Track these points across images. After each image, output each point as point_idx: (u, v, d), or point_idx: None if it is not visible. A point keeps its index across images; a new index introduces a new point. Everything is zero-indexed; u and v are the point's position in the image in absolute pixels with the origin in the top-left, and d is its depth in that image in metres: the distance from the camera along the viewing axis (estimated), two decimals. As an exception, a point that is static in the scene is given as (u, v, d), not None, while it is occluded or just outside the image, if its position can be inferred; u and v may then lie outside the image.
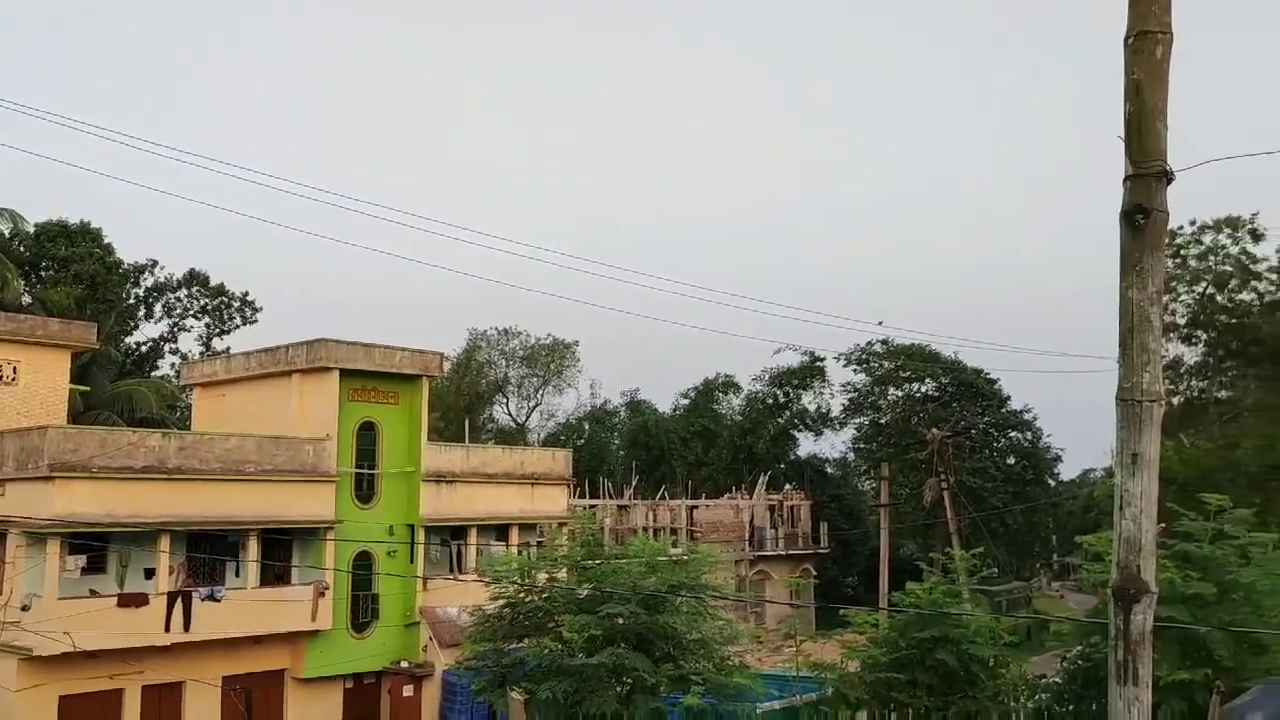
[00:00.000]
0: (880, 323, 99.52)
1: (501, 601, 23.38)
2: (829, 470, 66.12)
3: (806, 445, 66.12)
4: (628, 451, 66.79)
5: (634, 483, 56.48)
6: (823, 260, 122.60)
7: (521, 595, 23.31)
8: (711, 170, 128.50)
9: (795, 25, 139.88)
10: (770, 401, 65.47)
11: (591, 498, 52.27)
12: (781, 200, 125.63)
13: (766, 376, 65.59)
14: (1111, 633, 4.28)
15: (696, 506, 55.30)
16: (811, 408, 65.69)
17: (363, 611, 29.46)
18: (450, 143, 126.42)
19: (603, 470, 60.90)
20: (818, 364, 63.88)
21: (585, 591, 22.86)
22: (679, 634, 21.89)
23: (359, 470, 30.02)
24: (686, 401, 70.10)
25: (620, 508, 53.25)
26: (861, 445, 62.50)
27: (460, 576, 31.08)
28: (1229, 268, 44.92)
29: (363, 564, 29.62)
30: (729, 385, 69.39)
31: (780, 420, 65.09)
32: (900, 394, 61.43)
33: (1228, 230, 44.88)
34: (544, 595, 23.13)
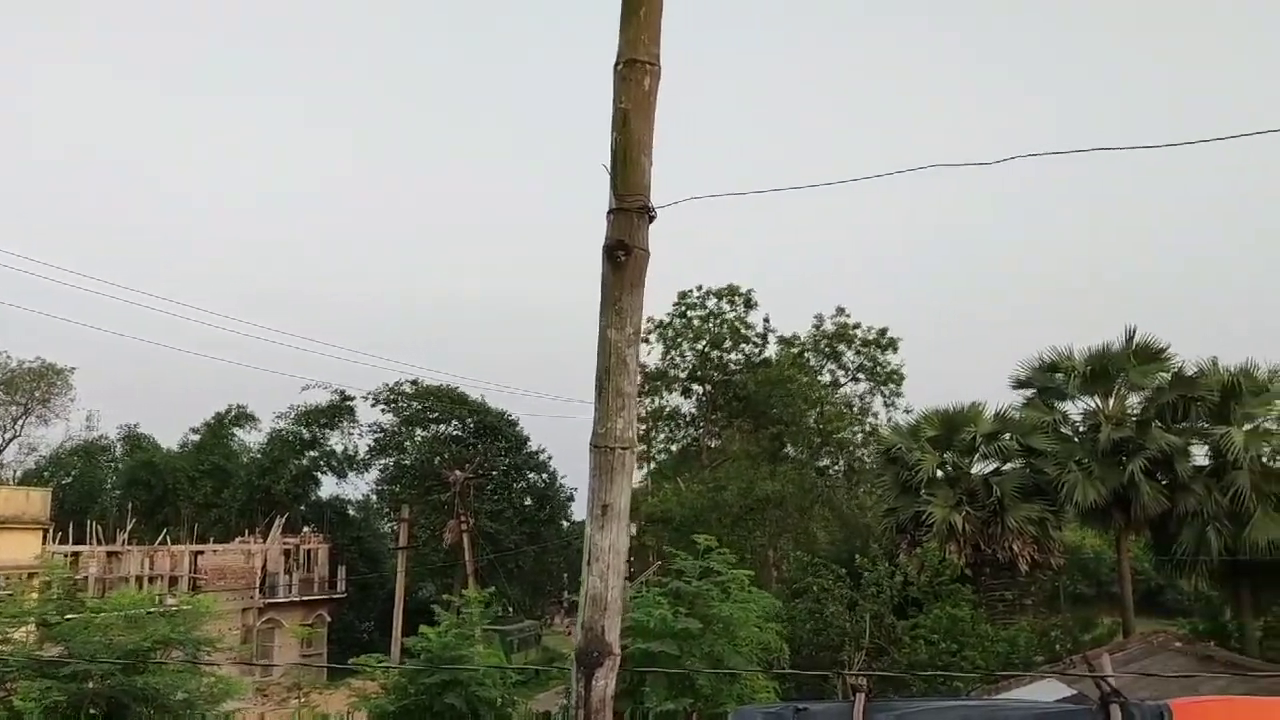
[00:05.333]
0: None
1: (-69, 669, 19.64)
2: (351, 512, 64.26)
3: (330, 487, 63.82)
4: (126, 491, 60.30)
5: (129, 526, 50.96)
6: (366, 292, 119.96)
7: (-40, 661, 19.73)
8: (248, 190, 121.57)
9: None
10: (294, 440, 62.42)
11: (78, 543, 46.43)
12: (322, 228, 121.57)
13: (293, 414, 62.52)
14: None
15: (202, 552, 51.03)
16: (339, 448, 63.59)
17: None
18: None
19: (94, 512, 54.45)
20: (347, 403, 62.10)
21: (52, 653, 19.91)
22: (162, 695, 19.71)
23: None
24: (197, 437, 64.87)
25: (111, 554, 47.75)
26: (385, 487, 61.49)
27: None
28: (725, 331, 50.41)
29: None
30: (244, 418, 65.18)
31: (304, 460, 62.27)
32: (426, 435, 61.38)
33: (728, 297, 50.55)
34: (-10, 659, 19.75)
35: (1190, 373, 32.53)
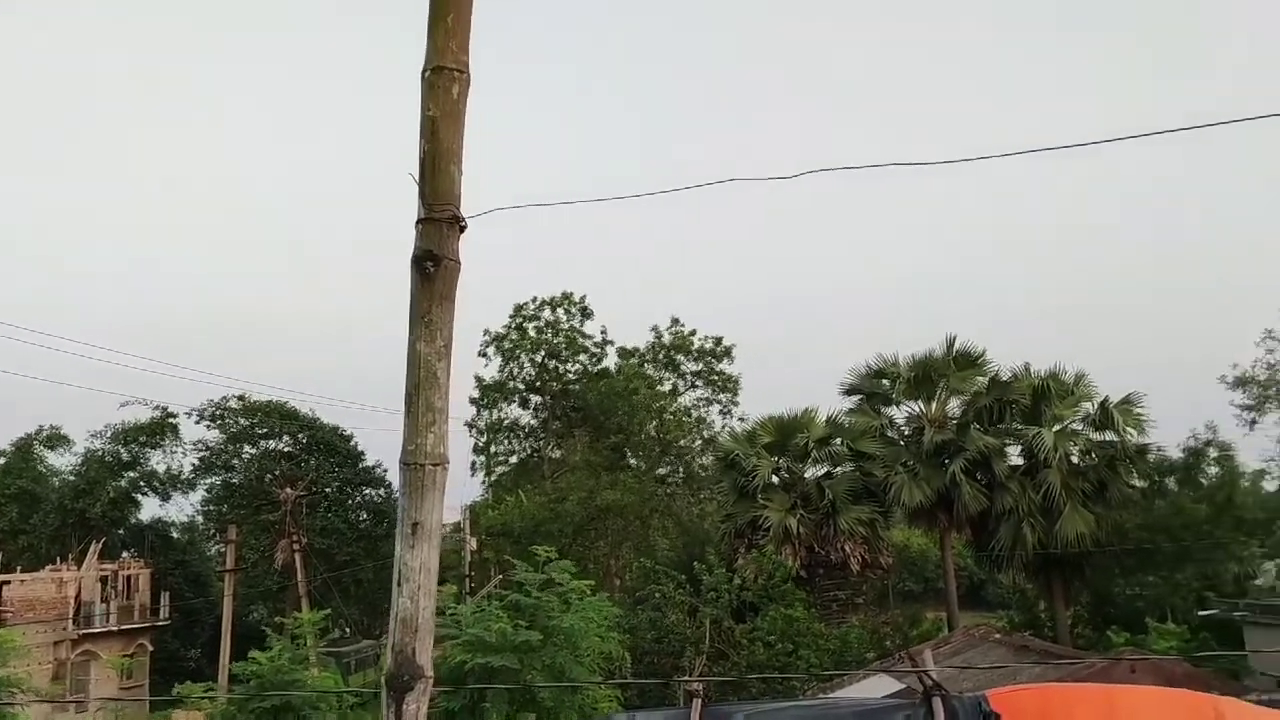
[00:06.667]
0: None
1: None
2: (175, 535, 61.16)
3: (152, 509, 60.47)
4: (-82, 520, 55.73)
5: (-78, 558, 47.20)
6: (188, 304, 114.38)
7: None
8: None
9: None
10: (111, 460, 58.92)
11: None
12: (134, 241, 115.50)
13: (109, 432, 58.97)
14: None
15: (8, 582, 47.67)
16: (161, 468, 60.32)
17: None
18: None
19: (-118, 544, 50.21)
20: (170, 420, 59.03)
21: None
22: (-41, 741, 18.30)
23: None
24: (2, 460, 60.51)
25: (-99, 589, 44.13)
26: (212, 507, 58.79)
27: None
28: (562, 340, 50.46)
29: None
30: (56, 439, 61.17)
31: (122, 482, 58.87)
32: (255, 452, 59.04)
33: (564, 306, 50.64)
34: None
35: (1005, 377, 34.40)
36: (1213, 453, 35.01)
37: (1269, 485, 39.71)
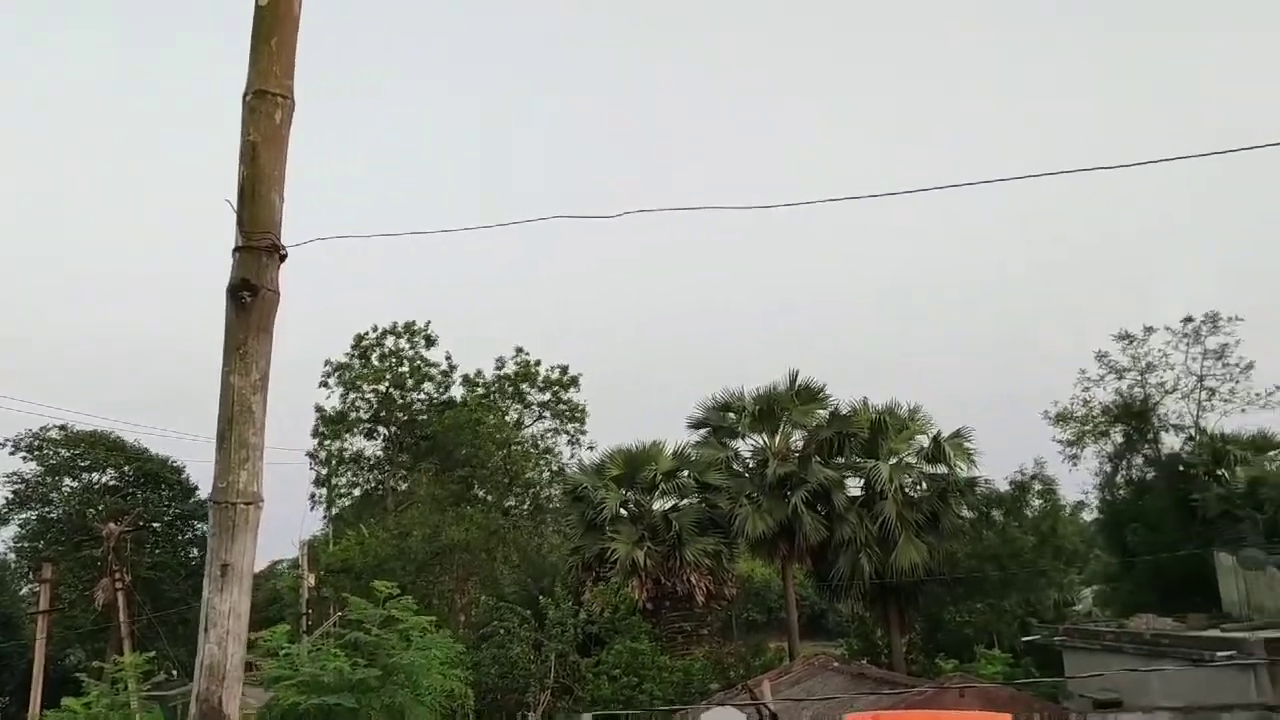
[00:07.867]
0: None
1: None
2: (-15, 574, 56.98)
3: (-45, 547, 56.12)
4: None
5: None
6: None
7: None
8: None
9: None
10: (-90, 496, 54.50)
11: None
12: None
13: (-88, 465, 54.52)
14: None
15: None
16: (-33, 502, 56.10)
17: None
18: None
19: None
20: (-12, 453, 55.00)
21: None
22: None
23: None
24: None
25: None
26: (26, 544, 55.03)
27: None
28: (406, 370, 49.57)
29: None
30: None
31: (-77, 517, 54.58)
32: (77, 485, 55.68)
33: (407, 335, 49.78)
34: None
35: (844, 411, 35.53)
36: (1037, 486, 36.92)
37: (1087, 516, 42.20)
